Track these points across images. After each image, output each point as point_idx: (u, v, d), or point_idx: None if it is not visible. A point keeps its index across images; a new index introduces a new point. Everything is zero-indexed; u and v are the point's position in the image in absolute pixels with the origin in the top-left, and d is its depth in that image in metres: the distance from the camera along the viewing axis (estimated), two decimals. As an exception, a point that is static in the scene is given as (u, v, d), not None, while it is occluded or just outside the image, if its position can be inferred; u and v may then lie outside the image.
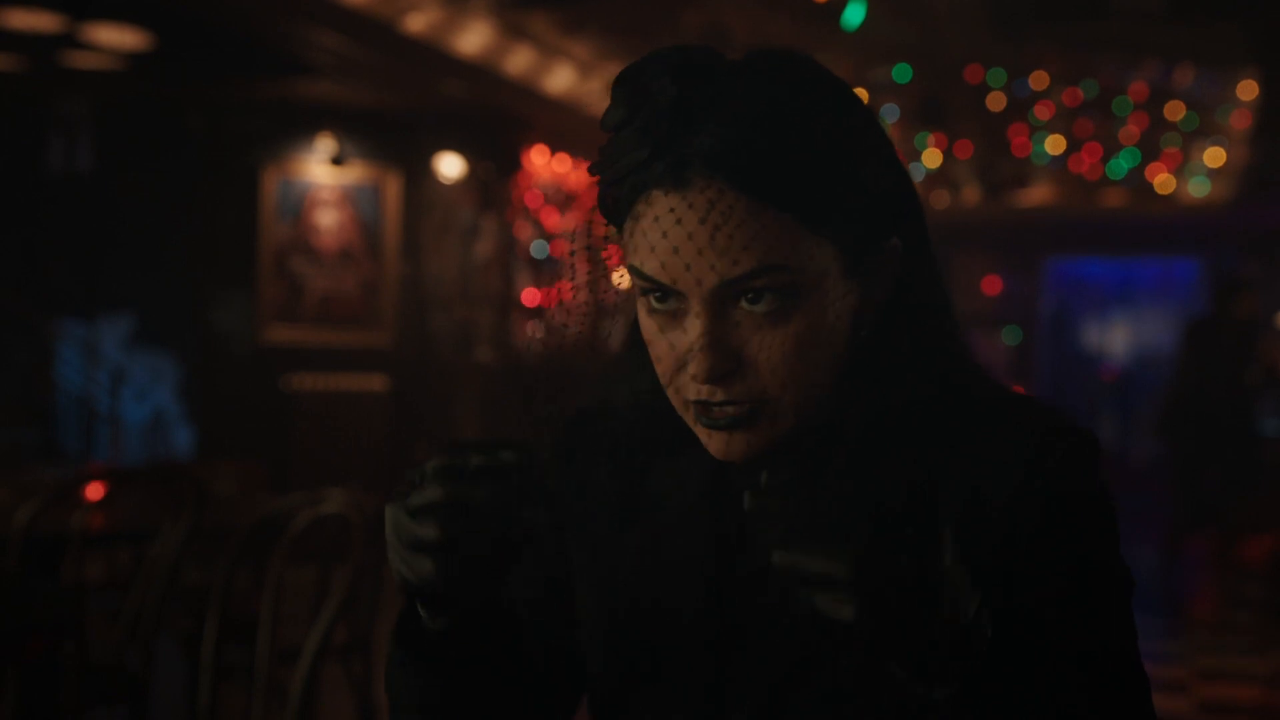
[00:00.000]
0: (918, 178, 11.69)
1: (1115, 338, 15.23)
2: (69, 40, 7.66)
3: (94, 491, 3.97)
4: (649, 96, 1.07)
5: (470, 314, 9.37)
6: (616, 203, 1.11)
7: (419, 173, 9.25)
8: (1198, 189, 12.26)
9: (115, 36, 7.59)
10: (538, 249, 9.99)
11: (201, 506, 3.71)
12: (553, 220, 10.08)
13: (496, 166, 9.38)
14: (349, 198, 9.17)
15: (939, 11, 8.15)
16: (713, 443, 1.11)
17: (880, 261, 1.12)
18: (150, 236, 9.53)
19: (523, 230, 9.81)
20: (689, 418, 1.12)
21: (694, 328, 1.08)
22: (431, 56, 7.90)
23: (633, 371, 1.24)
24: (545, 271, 10.10)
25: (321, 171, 9.06)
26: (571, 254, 1.24)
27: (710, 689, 1.16)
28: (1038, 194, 12.64)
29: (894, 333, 1.14)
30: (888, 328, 1.14)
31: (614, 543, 1.23)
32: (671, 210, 1.06)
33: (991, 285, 14.73)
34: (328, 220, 9.12)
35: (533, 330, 9.78)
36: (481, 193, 9.33)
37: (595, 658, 1.23)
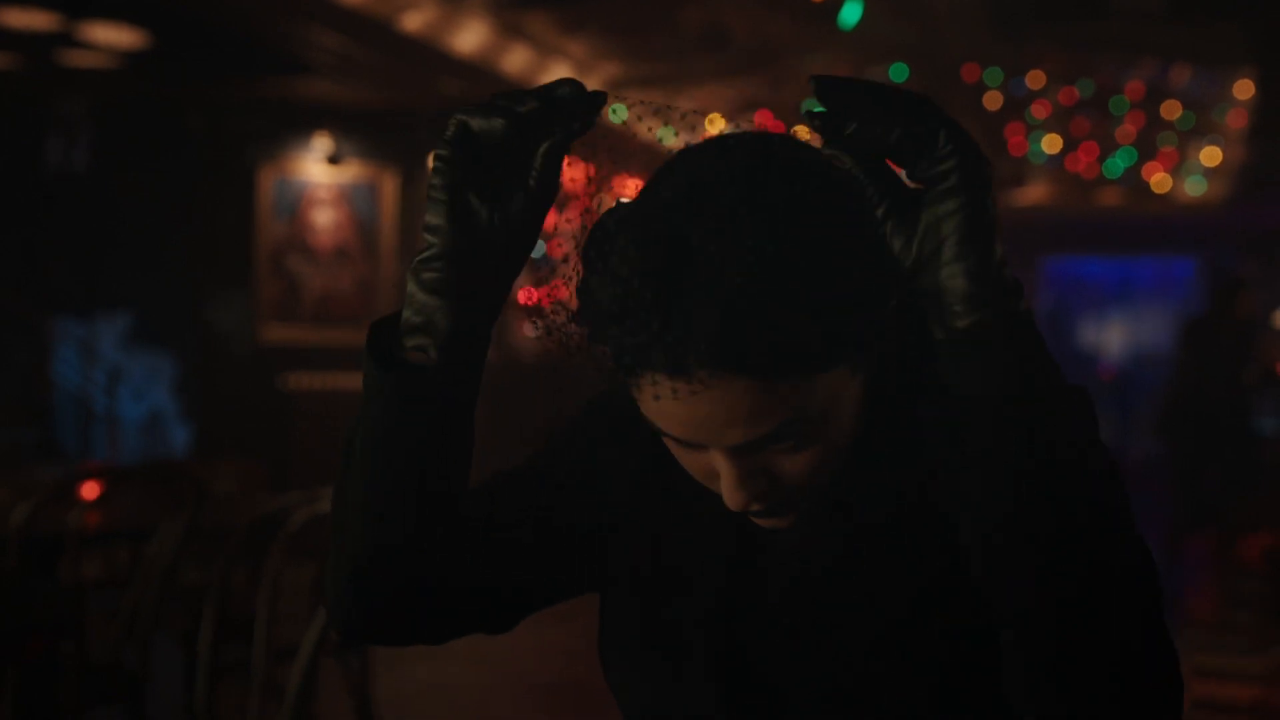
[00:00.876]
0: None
1: (1112, 336, 15.24)
2: (66, 39, 7.66)
3: (90, 490, 3.97)
4: (629, 285, 1.03)
5: (467, 313, 9.36)
6: (616, 366, 1.08)
7: (415, 172, 9.25)
8: (1194, 188, 12.27)
9: (112, 35, 7.58)
10: (534, 247, 9.99)
11: (199, 505, 3.71)
12: (549, 219, 10.08)
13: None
14: (345, 196, 9.16)
15: (936, 10, 8.15)
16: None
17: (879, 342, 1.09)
18: (148, 236, 9.53)
19: (520, 229, 9.81)
20: None
21: (722, 468, 1.08)
22: (428, 55, 7.90)
23: None
24: (542, 270, 10.10)
25: (318, 170, 9.06)
26: (566, 260, 1.25)
27: (721, 664, 1.16)
28: (1035, 193, 12.65)
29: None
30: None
31: (647, 512, 1.25)
32: (675, 393, 1.03)
33: (989, 284, 14.73)
34: (324, 219, 9.12)
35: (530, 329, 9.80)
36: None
37: (618, 615, 1.25)
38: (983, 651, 1.07)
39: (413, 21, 7.51)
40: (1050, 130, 11.20)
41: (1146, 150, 11.50)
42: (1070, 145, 11.46)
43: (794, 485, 1.09)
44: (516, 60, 8.55)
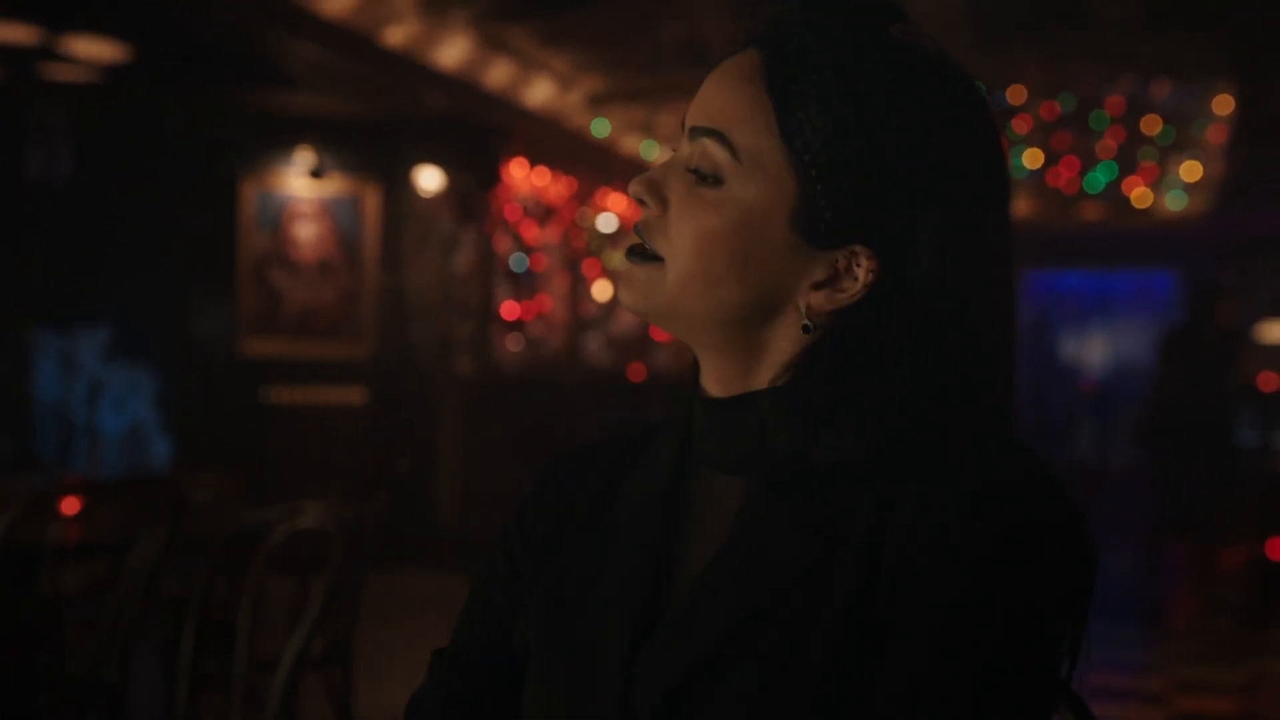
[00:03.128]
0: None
1: (1093, 349, 15.29)
2: (48, 52, 7.64)
3: (70, 505, 3.96)
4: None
5: (449, 326, 9.36)
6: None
7: (398, 185, 9.25)
8: (1175, 203, 12.32)
9: (94, 49, 7.57)
10: (517, 261, 9.99)
11: (178, 517, 3.70)
12: (532, 233, 10.09)
13: (476, 179, 9.38)
14: (328, 210, 9.16)
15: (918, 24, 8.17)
16: (618, 286, 1.18)
17: (846, 262, 1.09)
18: (129, 248, 9.51)
19: (502, 243, 9.82)
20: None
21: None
22: (411, 69, 7.91)
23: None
24: (525, 284, 10.10)
25: (300, 184, 9.05)
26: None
27: (622, 677, 1.10)
28: (1016, 207, 12.56)
29: (839, 362, 1.10)
30: (836, 352, 1.10)
31: (568, 552, 1.23)
32: (718, 67, 1.16)
33: (970, 297, 14.76)
34: (307, 232, 9.11)
35: (512, 343, 9.79)
36: (461, 205, 9.33)
37: (532, 663, 1.20)
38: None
39: (395, 35, 7.52)
40: (1032, 145, 11.25)
41: (1127, 165, 11.54)
42: (1051, 160, 11.50)
43: (669, 230, 1.13)
44: (499, 73, 8.57)
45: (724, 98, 1.12)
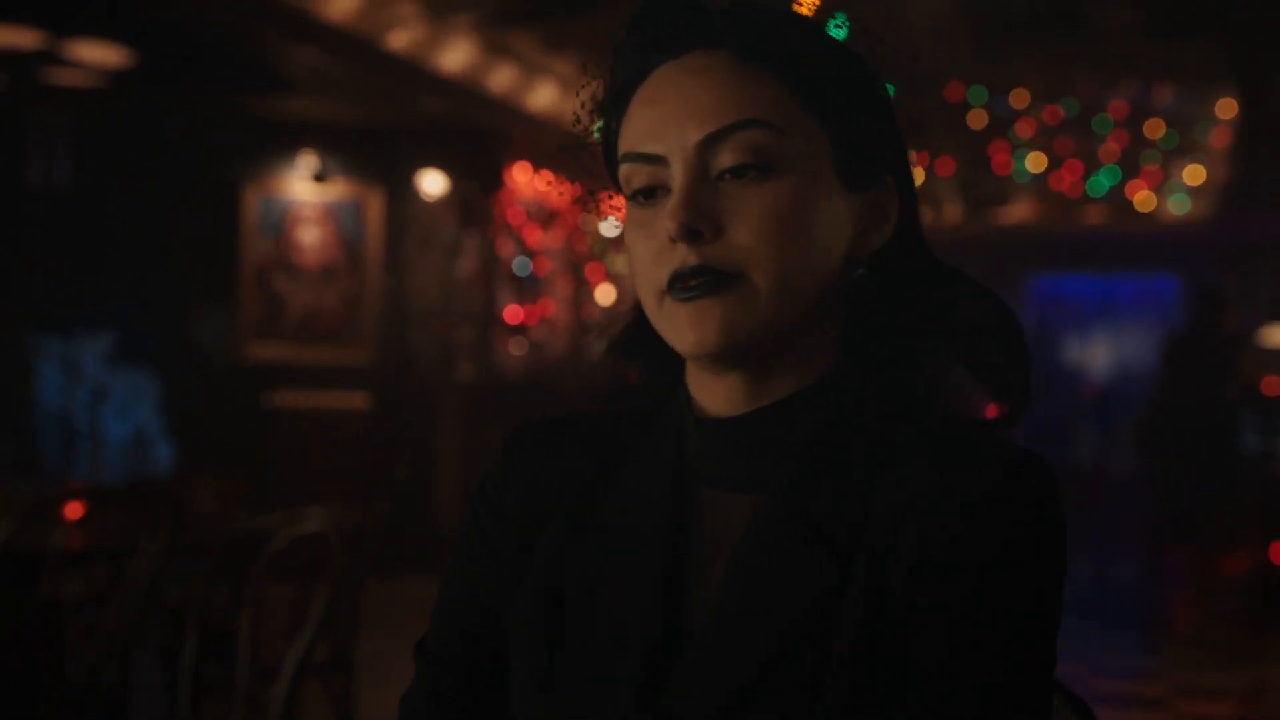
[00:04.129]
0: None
1: (1096, 353, 15.28)
2: (50, 57, 7.65)
3: (73, 511, 3.96)
4: (662, 3, 1.15)
5: (452, 331, 9.36)
6: (618, 99, 1.16)
7: (401, 190, 9.25)
8: (1178, 206, 12.32)
9: (97, 53, 7.58)
10: (520, 266, 9.98)
11: (180, 523, 3.70)
12: (535, 237, 10.08)
13: (479, 183, 9.38)
14: (331, 215, 9.16)
15: (920, 29, 8.18)
16: (683, 328, 1.09)
17: (879, 197, 1.15)
18: (131, 253, 9.51)
19: (505, 247, 9.81)
20: (663, 314, 1.11)
21: (675, 186, 1.09)
22: (414, 74, 7.91)
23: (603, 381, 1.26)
24: (527, 288, 10.10)
25: (303, 188, 9.06)
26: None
27: (647, 703, 1.08)
28: (1019, 211, 12.69)
29: (888, 301, 1.15)
30: (883, 291, 1.15)
31: (566, 553, 1.18)
32: (665, 78, 1.12)
33: (973, 302, 14.75)
34: (309, 237, 9.11)
35: (515, 347, 9.78)
36: (463, 210, 9.33)
37: (527, 666, 1.16)
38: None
39: (398, 39, 7.53)
40: (1035, 149, 11.25)
41: (1130, 169, 11.54)
42: (1054, 164, 11.51)
43: (741, 240, 1.07)
44: (502, 78, 8.57)
45: (725, 92, 1.09)
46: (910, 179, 1.19)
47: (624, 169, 1.13)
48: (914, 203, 1.18)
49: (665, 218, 1.08)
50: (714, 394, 1.14)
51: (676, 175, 1.09)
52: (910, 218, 1.17)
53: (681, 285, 1.07)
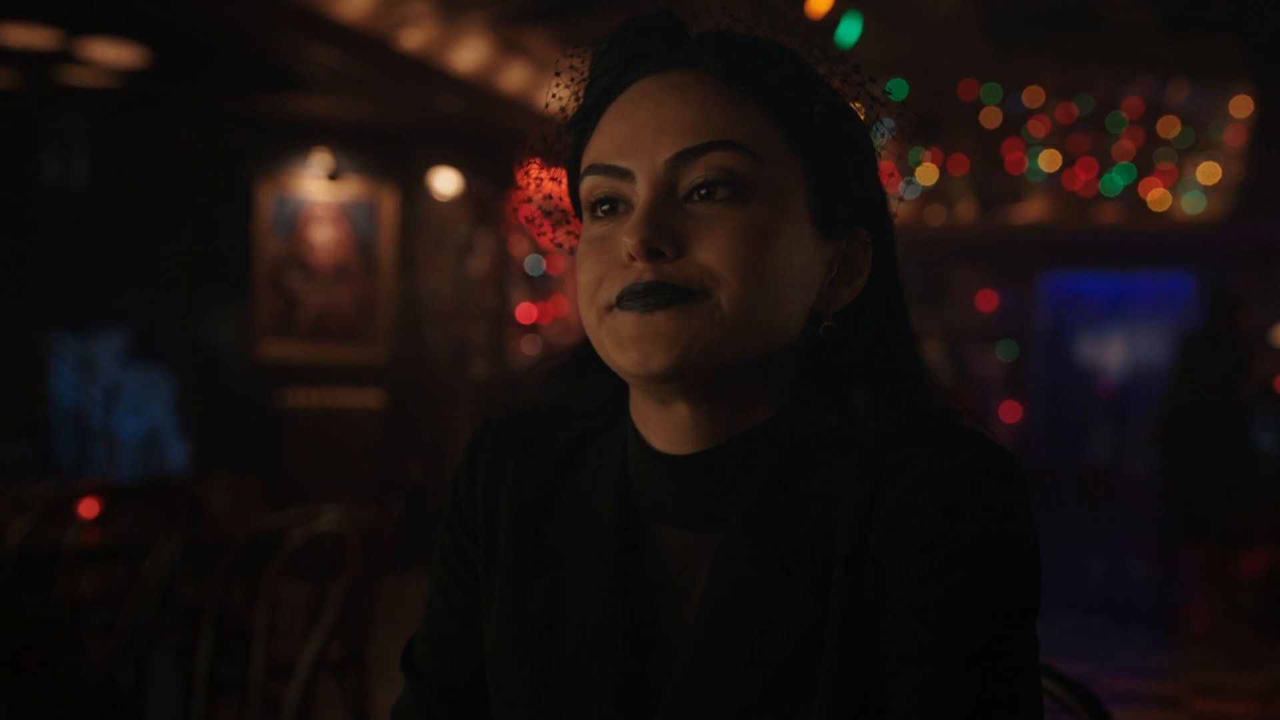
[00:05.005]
0: (913, 195, 11.72)
1: (1110, 352, 15.24)
2: (65, 56, 7.66)
3: (88, 509, 3.97)
4: (650, 19, 1.09)
5: (465, 329, 9.37)
6: (590, 113, 1.10)
7: (414, 188, 9.25)
8: (1192, 205, 12.28)
9: (111, 53, 7.59)
10: (533, 264, 9.99)
11: (195, 522, 3.70)
12: (545, 237, 10.07)
13: (492, 182, 9.38)
14: (344, 213, 9.17)
15: (934, 27, 8.17)
16: (629, 341, 1.01)
17: (852, 249, 1.09)
18: (145, 252, 9.53)
19: (518, 246, 9.82)
20: (604, 329, 1.04)
21: (639, 202, 1.03)
22: (427, 73, 7.91)
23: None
24: (540, 287, 10.10)
25: (317, 187, 9.06)
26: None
27: None
28: (1033, 210, 12.66)
29: (854, 349, 1.09)
30: (850, 340, 1.09)
31: (520, 595, 1.14)
32: (643, 91, 1.06)
33: (987, 300, 14.74)
34: (323, 236, 9.12)
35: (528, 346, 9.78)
36: (477, 208, 9.34)
37: (503, 705, 1.15)
38: None
39: (412, 39, 7.53)
40: (1048, 147, 11.23)
41: (1145, 167, 11.51)
42: (1068, 162, 11.48)
43: (705, 258, 1.01)
44: (515, 77, 8.57)
45: (705, 111, 1.03)
46: (890, 237, 1.12)
47: (587, 182, 1.06)
48: (892, 261, 1.11)
49: (624, 234, 1.01)
50: (659, 428, 1.08)
51: (641, 191, 1.03)
52: (887, 276, 1.11)
53: (632, 298, 1.01)
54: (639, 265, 1.01)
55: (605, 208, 1.05)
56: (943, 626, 0.99)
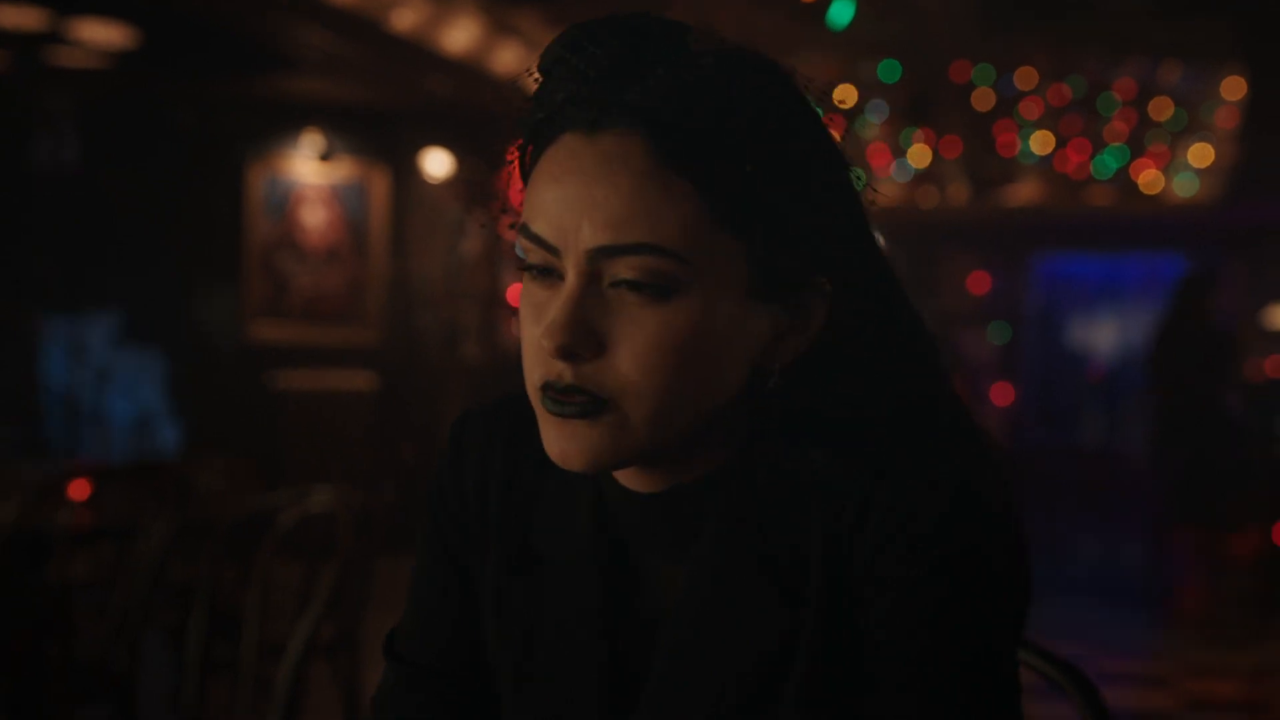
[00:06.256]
0: (905, 176, 11.72)
1: (1102, 334, 15.26)
2: (54, 37, 7.63)
3: (78, 490, 3.96)
4: (590, 46, 1.02)
5: (457, 311, 9.36)
6: (531, 156, 1.05)
7: (406, 170, 9.24)
8: (1185, 187, 12.28)
9: (101, 33, 7.56)
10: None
11: (186, 503, 3.70)
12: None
13: (484, 163, 9.37)
14: (336, 195, 9.15)
15: (927, 8, 8.16)
16: (551, 439, 1.03)
17: (804, 301, 1.04)
18: (136, 233, 9.50)
19: (510, 228, 9.81)
20: (537, 411, 1.04)
21: (564, 288, 1.01)
22: (418, 53, 7.89)
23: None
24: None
25: (308, 169, 9.04)
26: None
27: None
28: (1025, 192, 12.66)
29: (811, 395, 1.05)
30: (806, 387, 1.05)
31: (506, 591, 1.15)
32: (575, 155, 1.00)
33: (979, 282, 14.76)
34: (314, 218, 9.10)
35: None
36: (468, 190, 9.32)
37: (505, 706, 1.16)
38: None
39: (403, 19, 7.51)
40: (1041, 129, 11.22)
41: (1137, 149, 11.51)
42: (1060, 144, 11.47)
43: (621, 367, 0.99)
44: (507, 58, 8.55)
45: (632, 203, 0.98)
46: (861, 276, 1.06)
47: (521, 241, 1.04)
48: (863, 300, 1.06)
49: (543, 335, 1.00)
50: (630, 471, 1.09)
51: (568, 274, 1.00)
52: (857, 317, 1.05)
53: (553, 398, 1.01)
54: (559, 364, 1.00)
55: (538, 270, 1.03)
56: (919, 649, 0.99)
